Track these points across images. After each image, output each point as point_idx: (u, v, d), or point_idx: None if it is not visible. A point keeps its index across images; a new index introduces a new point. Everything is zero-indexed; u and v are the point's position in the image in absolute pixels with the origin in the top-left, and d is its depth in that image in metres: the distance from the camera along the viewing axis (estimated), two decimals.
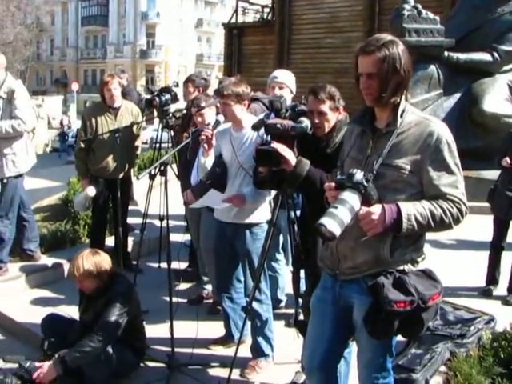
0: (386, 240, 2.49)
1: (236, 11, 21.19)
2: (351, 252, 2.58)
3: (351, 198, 2.34)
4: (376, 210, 2.37)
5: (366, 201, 2.37)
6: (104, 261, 3.97)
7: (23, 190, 5.78)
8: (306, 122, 3.24)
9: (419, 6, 9.05)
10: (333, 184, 2.45)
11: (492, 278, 5.48)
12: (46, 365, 3.66)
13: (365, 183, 2.36)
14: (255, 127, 3.47)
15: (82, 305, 4.09)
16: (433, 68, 9.04)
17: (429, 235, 2.64)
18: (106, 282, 3.93)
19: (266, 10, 21.34)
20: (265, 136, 3.32)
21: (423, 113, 2.64)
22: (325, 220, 2.30)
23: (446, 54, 9.04)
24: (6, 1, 39.37)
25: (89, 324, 3.94)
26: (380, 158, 2.47)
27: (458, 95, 9.16)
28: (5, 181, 5.48)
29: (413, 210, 2.38)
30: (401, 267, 2.51)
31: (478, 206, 7.01)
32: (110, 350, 3.75)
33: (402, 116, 2.50)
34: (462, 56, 9.08)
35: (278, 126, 3.20)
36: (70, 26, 61.88)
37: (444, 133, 2.46)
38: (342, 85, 3.35)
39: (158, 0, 55.07)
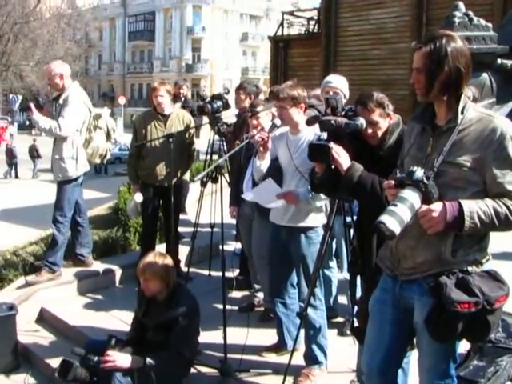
0: (448, 239, 2.41)
1: (282, 24, 21.27)
2: (411, 251, 2.51)
3: (411, 196, 2.28)
4: (437, 207, 2.30)
5: (427, 199, 2.31)
6: (172, 267, 3.92)
7: (80, 196, 5.90)
8: (360, 121, 3.19)
9: (471, 12, 8.86)
10: (392, 182, 2.40)
11: None
12: (123, 355, 3.68)
13: (425, 181, 2.30)
14: (309, 122, 3.45)
15: (141, 307, 4.00)
16: (485, 76, 8.78)
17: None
18: (170, 289, 3.84)
19: (312, 22, 21.34)
20: (321, 135, 3.29)
21: (486, 109, 2.55)
22: (384, 218, 2.25)
23: (499, 61, 8.80)
24: (56, 18, 40.53)
25: (149, 327, 3.91)
26: (441, 156, 2.40)
27: (511, 104, 8.92)
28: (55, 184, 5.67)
29: (475, 208, 2.30)
30: (464, 268, 2.42)
31: None
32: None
33: (462, 113, 2.43)
34: None
35: (332, 122, 3.16)
36: (118, 41, 63.41)
37: (508, 129, 2.37)
38: (389, 96, 3.30)
39: (203, 15, 55.96)
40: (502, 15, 11.85)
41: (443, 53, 2.38)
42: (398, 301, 2.63)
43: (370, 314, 2.79)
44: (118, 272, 6.01)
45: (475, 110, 2.47)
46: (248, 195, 4.11)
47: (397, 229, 2.24)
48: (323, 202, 3.93)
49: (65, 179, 5.62)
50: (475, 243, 2.45)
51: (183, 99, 7.87)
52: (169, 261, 3.92)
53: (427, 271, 2.47)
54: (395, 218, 2.23)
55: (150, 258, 3.88)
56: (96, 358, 3.69)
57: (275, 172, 3.95)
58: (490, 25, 8.82)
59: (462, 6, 8.89)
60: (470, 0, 12.49)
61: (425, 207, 2.30)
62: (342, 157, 3.01)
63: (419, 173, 2.31)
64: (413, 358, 2.89)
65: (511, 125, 2.42)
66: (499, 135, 2.35)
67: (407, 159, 2.62)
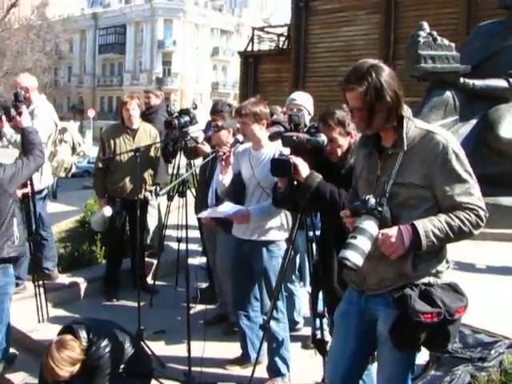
0: (407, 258, 2.48)
1: (252, 39, 21.47)
2: (373, 271, 2.58)
3: (369, 226, 2.38)
4: (393, 232, 2.38)
5: (383, 224, 2.41)
6: (72, 347, 3.48)
7: (44, 209, 5.83)
8: (322, 137, 3.29)
9: (435, 32, 9.09)
10: (348, 212, 2.50)
11: None
12: None
13: (379, 208, 2.40)
14: (271, 137, 3.53)
15: None
16: (448, 94, 9.03)
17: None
18: (81, 360, 3.53)
19: (282, 38, 21.58)
20: (282, 151, 3.38)
21: (426, 124, 2.59)
22: (347, 253, 2.35)
23: (461, 80, 9.04)
24: (26, 28, 40.05)
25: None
26: (390, 180, 2.47)
27: (474, 121, 9.13)
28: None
29: (429, 226, 2.38)
30: (425, 280, 2.50)
31: (494, 232, 6.94)
32: None
33: (407, 135, 2.50)
34: (478, 82, 9.07)
35: (294, 138, 3.27)
36: (88, 54, 63.03)
37: (449, 142, 2.44)
38: None
39: (174, 28, 56.09)
40: (466, 35, 12.15)
41: (379, 86, 2.42)
42: (362, 313, 2.69)
43: (335, 325, 2.86)
44: (84, 285, 5.97)
45: (416, 126, 2.53)
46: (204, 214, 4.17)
47: (360, 261, 2.35)
48: (282, 217, 4.01)
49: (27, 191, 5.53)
50: (434, 256, 2.53)
51: (151, 111, 7.25)
52: (64, 349, 3.45)
53: (391, 286, 2.55)
54: (357, 252, 2.34)
55: (50, 364, 3.41)
56: None
57: (239, 186, 4.02)
58: (452, 44, 9.05)
59: (426, 25, 9.12)
60: (436, 19, 12.87)
61: (382, 235, 2.38)
62: (301, 166, 3.12)
63: (372, 201, 2.41)
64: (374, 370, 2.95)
65: (452, 137, 2.50)
66: (441, 149, 2.42)
67: (360, 182, 2.71)
